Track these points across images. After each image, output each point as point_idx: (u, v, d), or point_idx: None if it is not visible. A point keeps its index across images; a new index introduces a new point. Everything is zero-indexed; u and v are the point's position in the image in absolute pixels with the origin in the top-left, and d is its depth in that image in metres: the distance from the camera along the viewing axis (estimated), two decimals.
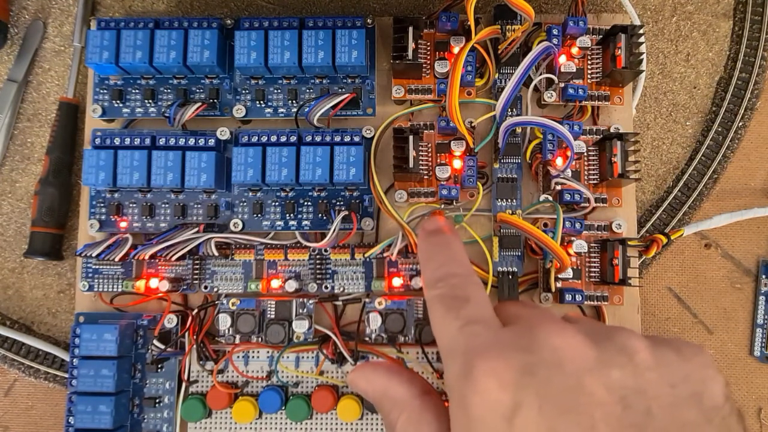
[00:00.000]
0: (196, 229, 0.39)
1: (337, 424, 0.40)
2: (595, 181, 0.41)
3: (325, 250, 0.40)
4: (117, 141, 0.39)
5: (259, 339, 0.39)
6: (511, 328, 0.24)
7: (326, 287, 0.40)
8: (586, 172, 0.41)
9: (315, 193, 0.40)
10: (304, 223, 0.40)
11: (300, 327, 0.39)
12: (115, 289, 0.40)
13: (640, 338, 0.22)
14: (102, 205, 0.41)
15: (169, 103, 0.40)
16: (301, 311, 0.39)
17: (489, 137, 0.40)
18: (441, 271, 0.27)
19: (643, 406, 0.19)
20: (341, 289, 0.40)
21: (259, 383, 0.40)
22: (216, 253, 0.39)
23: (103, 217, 0.40)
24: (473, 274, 0.27)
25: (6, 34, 0.45)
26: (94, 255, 0.39)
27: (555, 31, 0.39)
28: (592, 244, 0.40)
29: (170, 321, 0.39)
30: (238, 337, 0.39)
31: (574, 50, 0.40)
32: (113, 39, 0.39)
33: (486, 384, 0.21)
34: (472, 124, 0.40)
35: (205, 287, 0.40)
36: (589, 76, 0.41)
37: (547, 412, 0.19)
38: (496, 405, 0.20)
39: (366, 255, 0.39)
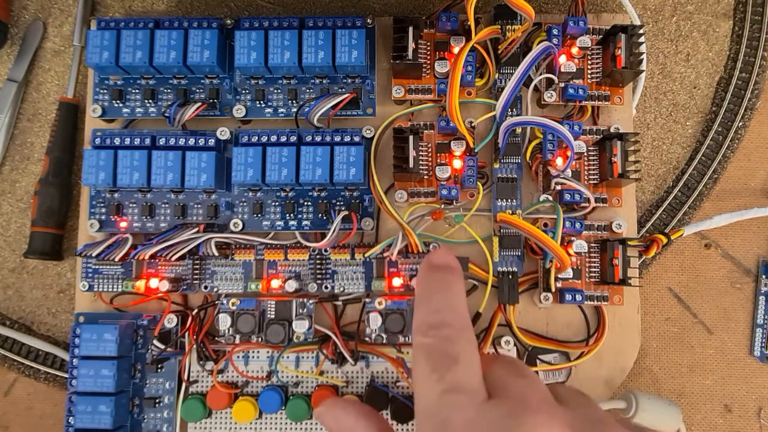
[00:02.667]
0: (196, 229, 0.39)
1: None
2: (595, 181, 0.41)
3: (325, 250, 0.40)
4: (117, 141, 0.39)
5: (259, 339, 0.39)
6: (495, 404, 0.22)
7: (326, 287, 0.40)
8: (586, 172, 0.41)
9: (315, 193, 0.40)
10: (304, 223, 0.40)
11: (300, 327, 0.39)
12: (115, 289, 0.40)
13: None
14: (102, 205, 0.41)
15: (169, 103, 0.40)
16: (301, 311, 0.39)
17: (489, 137, 0.40)
18: (435, 318, 0.25)
19: None
20: (341, 289, 0.40)
21: (259, 383, 0.40)
22: (216, 253, 0.39)
23: (103, 217, 0.40)
24: (469, 328, 0.25)
25: (6, 34, 0.45)
26: (94, 255, 0.39)
27: (555, 31, 0.39)
28: (592, 244, 0.40)
29: (170, 321, 0.39)
30: (238, 337, 0.39)
31: (574, 50, 0.40)
32: (113, 39, 0.39)
33: None
34: (472, 124, 0.40)
35: (205, 287, 0.40)
36: (589, 76, 0.41)
37: None
38: None
39: (366, 255, 0.39)
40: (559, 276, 0.39)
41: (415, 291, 0.26)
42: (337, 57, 0.38)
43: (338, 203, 0.40)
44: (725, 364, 0.44)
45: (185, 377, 0.39)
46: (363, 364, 0.40)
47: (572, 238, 0.39)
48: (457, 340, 0.24)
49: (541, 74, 0.39)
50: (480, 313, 0.39)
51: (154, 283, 0.39)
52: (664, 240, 0.40)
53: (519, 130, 0.40)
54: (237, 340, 0.39)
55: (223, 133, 0.40)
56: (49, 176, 0.43)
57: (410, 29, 0.38)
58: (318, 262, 0.40)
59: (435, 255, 0.27)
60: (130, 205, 0.41)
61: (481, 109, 0.41)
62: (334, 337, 0.39)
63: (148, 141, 0.39)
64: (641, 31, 0.38)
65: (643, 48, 0.38)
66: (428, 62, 0.41)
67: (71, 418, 0.38)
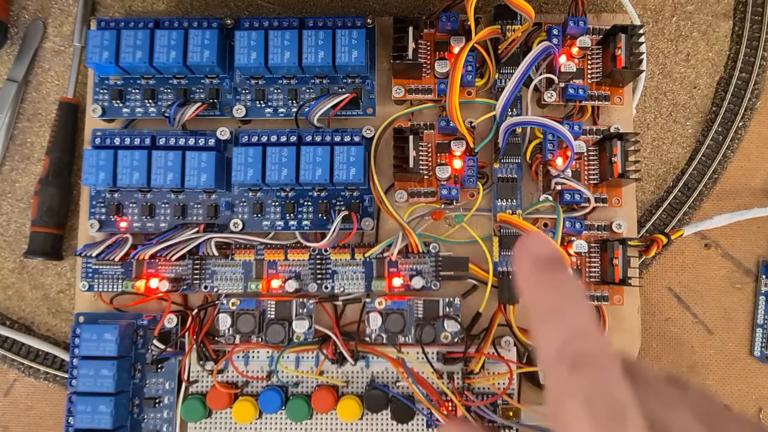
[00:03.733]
0: (196, 229, 0.39)
1: (337, 424, 0.40)
2: (595, 181, 0.41)
3: (325, 250, 0.40)
4: (117, 141, 0.39)
5: (259, 339, 0.39)
6: None
7: (326, 287, 0.40)
8: (586, 172, 0.41)
9: (315, 193, 0.40)
10: (304, 223, 0.40)
11: (300, 327, 0.39)
12: (115, 289, 0.40)
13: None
14: (102, 205, 0.41)
15: (169, 103, 0.40)
16: (301, 311, 0.39)
17: (489, 137, 0.40)
18: (582, 345, 0.18)
19: None
20: (341, 289, 0.40)
21: (259, 383, 0.40)
22: (216, 253, 0.39)
23: (103, 217, 0.40)
24: (612, 349, 0.18)
25: (6, 34, 0.45)
26: (94, 255, 0.39)
27: (555, 31, 0.39)
28: (592, 244, 0.40)
29: (170, 321, 0.39)
30: (238, 337, 0.39)
31: (574, 50, 0.40)
32: (113, 39, 0.39)
33: None
34: (472, 124, 0.40)
35: (205, 287, 0.40)
36: (589, 76, 0.41)
37: None
38: None
39: (366, 255, 0.39)
40: None
41: (527, 296, 0.19)
42: (337, 57, 0.38)
43: (338, 203, 0.40)
44: (725, 364, 0.44)
45: (185, 377, 0.39)
46: (363, 364, 0.40)
47: (572, 238, 0.39)
48: (614, 382, 0.17)
49: (541, 74, 0.39)
50: (480, 313, 0.39)
51: (154, 283, 0.39)
52: (664, 240, 0.40)
53: (519, 130, 0.40)
54: (237, 340, 0.39)
55: (223, 133, 0.40)
56: (49, 176, 0.43)
57: (410, 29, 0.38)
58: (318, 262, 0.40)
59: (537, 243, 0.20)
60: (130, 205, 0.40)
61: (481, 109, 0.41)
62: (334, 337, 0.39)
63: (148, 141, 0.39)
64: (641, 31, 0.38)
65: (643, 48, 0.38)
66: (428, 62, 0.41)
67: (71, 418, 0.38)
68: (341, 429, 0.40)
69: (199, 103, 0.40)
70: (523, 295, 0.19)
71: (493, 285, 0.39)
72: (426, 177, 0.40)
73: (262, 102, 0.41)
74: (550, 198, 0.39)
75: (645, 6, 0.46)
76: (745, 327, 0.44)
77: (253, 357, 0.40)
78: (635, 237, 0.40)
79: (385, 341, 0.38)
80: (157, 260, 0.40)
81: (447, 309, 0.39)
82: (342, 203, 0.40)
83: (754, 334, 0.44)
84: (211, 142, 0.39)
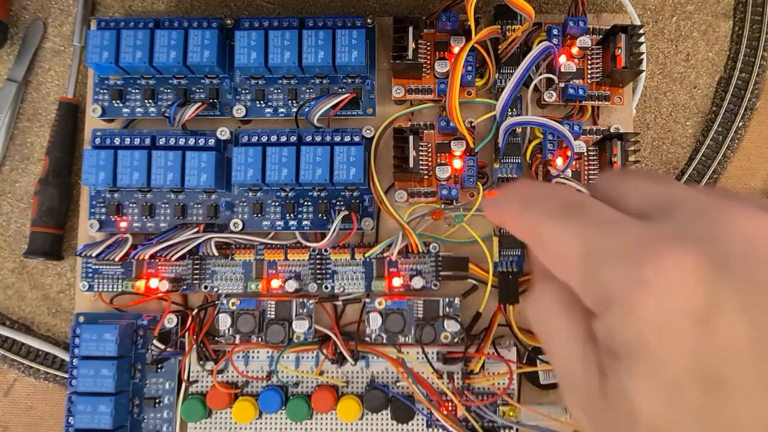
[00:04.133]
0: (196, 229, 0.39)
1: (337, 424, 0.40)
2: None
3: (325, 250, 0.40)
4: (117, 141, 0.39)
5: (259, 339, 0.39)
6: (669, 218, 0.18)
7: (326, 287, 0.40)
8: (586, 172, 0.41)
9: (315, 193, 0.40)
10: (304, 223, 0.40)
11: (300, 327, 0.39)
12: (115, 289, 0.40)
13: None
14: (102, 205, 0.41)
15: (169, 103, 0.40)
16: (301, 311, 0.39)
17: (489, 137, 0.40)
18: (534, 191, 0.21)
19: None
20: (341, 289, 0.40)
21: (259, 383, 0.40)
22: (216, 253, 0.39)
23: (103, 217, 0.40)
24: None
25: (6, 34, 0.45)
26: (94, 255, 0.39)
27: (555, 31, 0.39)
28: None
29: (170, 321, 0.39)
30: (238, 337, 0.39)
31: (574, 50, 0.40)
32: (113, 39, 0.39)
33: (664, 284, 0.16)
34: (472, 124, 0.40)
35: (205, 287, 0.40)
36: (589, 76, 0.41)
37: (754, 315, 0.15)
38: (680, 308, 0.15)
39: (366, 255, 0.39)
40: None
41: (494, 211, 0.22)
42: (337, 57, 0.38)
43: (338, 203, 0.40)
44: None
45: (185, 377, 0.39)
46: (363, 364, 0.40)
47: None
48: (574, 193, 0.20)
49: (541, 74, 0.39)
50: (480, 313, 0.39)
51: (154, 283, 0.39)
52: None
53: (519, 130, 0.40)
54: (237, 340, 0.39)
55: (223, 133, 0.40)
56: (49, 176, 0.43)
57: (410, 29, 0.38)
58: (318, 262, 0.40)
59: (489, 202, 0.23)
60: (130, 205, 0.41)
61: (481, 109, 0.41)
62: (334, 337, 0.39)
63: (148, 141, 0.39)
64: (641, 31, 0.38)
65: (643, 48, 0.38)
66: (428, 62, 0.41)
67: (71, 418, 0.38)
68: (341, 429, 0.40)
69: (199, 103, 0.40)
70: (492, 213, 0.22)
71: (493, 285, 0.39)
72: (426, 177, 0.40)
73: (262, 102, 0.41)
74: None
75: (645, 6, 0.46)
76: None
77: (253, 357, 0.40)
78: None
79: (385, 341, 0.38)
80: (157, 260, 0.40)
81: (447, 309, 0.39)
82: (342, 203, 0.40)
83: None
84: (211, 142, 0.39)
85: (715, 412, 0.15)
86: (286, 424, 0.40)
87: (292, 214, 0.40)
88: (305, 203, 0.40)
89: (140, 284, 0.39)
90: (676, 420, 0.15)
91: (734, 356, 0.15)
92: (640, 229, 0.17)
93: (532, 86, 0.39)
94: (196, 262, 0.40)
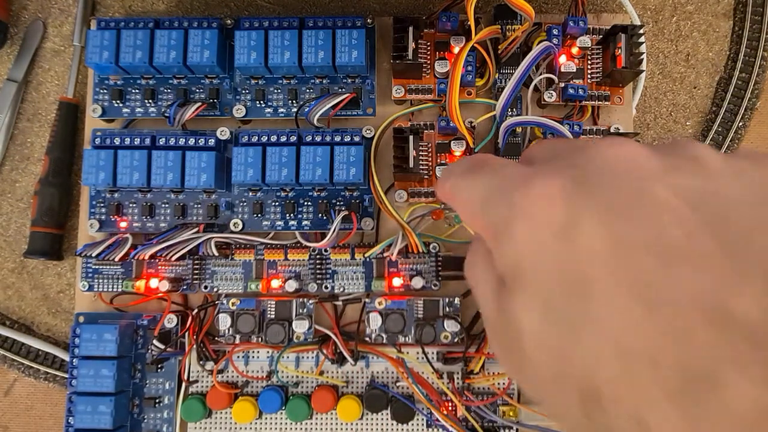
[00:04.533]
0: (196, 229, 0.39)
1: (337, 424, 0.40)
2: None
3: (325, 250, 0.40)
4: (117, 141, 0.39)
5: (259, 339, 0.39)
6: (552, 159, 0.20)
7: (326, 287, 0.40)
8: None
9: (315, 193, 0.40)
10: (304, 223, 0.40)
11: (300, 327, 0.39)
12: (115, 289, 0.40)
13: (713, 150, 0.18)
14: (102, 205, 0.41)
15: (169, 103, 0.40)
16: (301, 311, 0.39)
17: (489, 137, 0.40)
18: (455, 162, 0.23)
19: (720, 210, 0.16)
20: (341, 289, 0.40)
21: (259, 383, 0.40)
22: (216, 253, 0.39)
23: (103, 217, 0.40)
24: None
25: (6, 34, 0.45)
26: (94, 255, 0.39)
27: (555, 31, 0.39)
28: None
29: (170, 321, 0.39)
30: (238, 337, 0.39)
31: (574, 50, 0.40)
32: (113, 39, 0.39)
33: (530, 207, 0.17)
34: (472, 124, 0.40)
35: (205, 287, 0.40)
36: (589, 76, 0.41)
37: (608, 221, 0.16)
38: (544, 225, 0.17)
39: (366, 255, 0.39)
40: None
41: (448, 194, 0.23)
42: (337, 57, 0.38)
43: (338, 203, 0.40)
44: None
45: (185, 377, 0.39)
46: (363, 364, 0.40)
47: None
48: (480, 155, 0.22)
49: (541, 74, 0.39)
50: (480, 313, 0.39)
51: (154, 283, 0.39)
52: None
53: (519, 130, 0.40)
54: (237, 340, 0.39)
55: (223, 133, 0.40)
56: (49, 176, 0.43)
57: (410, 29, 0.38)
58: (318, 262, 0.40)
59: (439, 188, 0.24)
60: (130, 205, 0.41)
61: (481, 109, 0.41)
62: (334, 337, 0.39)
63: (148, 141, 0.39)
64: (641, 31, 0.38)
65: (643, 48, 0.38)
66: (428, 62, 0.41)
67: (71, 418, 0.38)
68: (341, 429, 0.40)
69: (199, 103, 0.40)
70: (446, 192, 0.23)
71: None
72: (426, 177, 0.40)
73: (262, 102, 0.41)
74: None
75: (645, 6, 0.46)
76: None
77: (253, 357, 0.40)
78: None
79: (385, 341, 0.39)
80: (157, 260, 0.40)
81: (447, 309, 0.39)
82: (342, 203, 0.40)
83: None
84: (211, 142, 0.39)
85: (583, 317, 0.16)
86: (286, 424, 0.40)
87: (292, 214, 0.40)
88: (305, 203, 0.40)
89: (140, 284, 0.39)
90: (554, 331, 0.16)
91: (593, 261, 0.16)
92: (523, 169, 0.19)
93: (532, 86, 0.39)
94: (196, 262, 0.40)
